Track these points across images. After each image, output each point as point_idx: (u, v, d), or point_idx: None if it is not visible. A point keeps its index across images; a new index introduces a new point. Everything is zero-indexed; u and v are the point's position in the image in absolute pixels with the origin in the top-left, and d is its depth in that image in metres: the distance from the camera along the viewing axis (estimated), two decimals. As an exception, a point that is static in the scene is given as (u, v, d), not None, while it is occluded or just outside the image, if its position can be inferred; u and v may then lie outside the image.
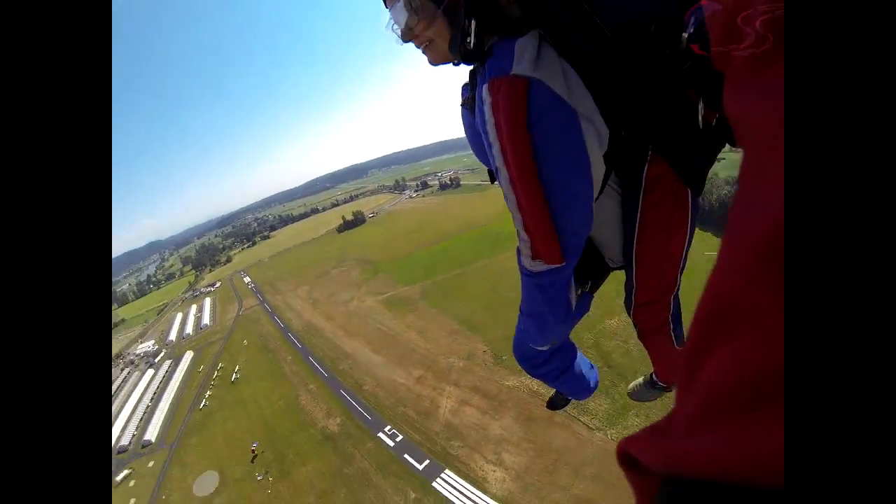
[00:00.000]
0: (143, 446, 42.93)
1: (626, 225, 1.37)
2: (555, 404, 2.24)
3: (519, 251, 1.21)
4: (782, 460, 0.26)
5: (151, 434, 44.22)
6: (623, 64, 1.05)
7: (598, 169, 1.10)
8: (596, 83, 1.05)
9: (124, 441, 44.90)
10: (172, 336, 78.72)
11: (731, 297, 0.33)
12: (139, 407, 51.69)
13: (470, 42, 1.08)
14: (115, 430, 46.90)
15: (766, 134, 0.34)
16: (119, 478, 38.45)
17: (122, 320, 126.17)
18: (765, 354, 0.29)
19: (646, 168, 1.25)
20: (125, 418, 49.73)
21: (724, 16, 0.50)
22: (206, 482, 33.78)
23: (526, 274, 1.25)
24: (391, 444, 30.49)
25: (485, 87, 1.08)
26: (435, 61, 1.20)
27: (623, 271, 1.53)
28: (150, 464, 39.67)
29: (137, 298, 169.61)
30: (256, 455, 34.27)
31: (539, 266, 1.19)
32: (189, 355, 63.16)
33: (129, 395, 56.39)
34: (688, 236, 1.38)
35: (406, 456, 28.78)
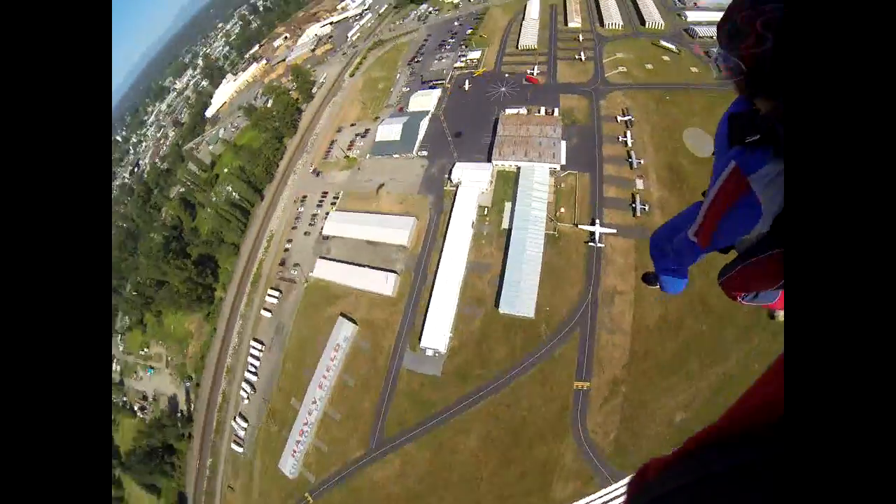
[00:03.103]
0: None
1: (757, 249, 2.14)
2: (648, 280, 3.82)
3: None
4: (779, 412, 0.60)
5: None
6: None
7: (753, 233, 2.10)
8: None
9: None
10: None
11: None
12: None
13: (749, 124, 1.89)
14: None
15: None
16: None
17: None
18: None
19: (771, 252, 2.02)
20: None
21: None
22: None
23: (685, 239, 2.56)
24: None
25: (733, 163, 1.98)
26: (736, 90, 2.02)
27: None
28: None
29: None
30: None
31: (693, 238, 2.46)
32: None
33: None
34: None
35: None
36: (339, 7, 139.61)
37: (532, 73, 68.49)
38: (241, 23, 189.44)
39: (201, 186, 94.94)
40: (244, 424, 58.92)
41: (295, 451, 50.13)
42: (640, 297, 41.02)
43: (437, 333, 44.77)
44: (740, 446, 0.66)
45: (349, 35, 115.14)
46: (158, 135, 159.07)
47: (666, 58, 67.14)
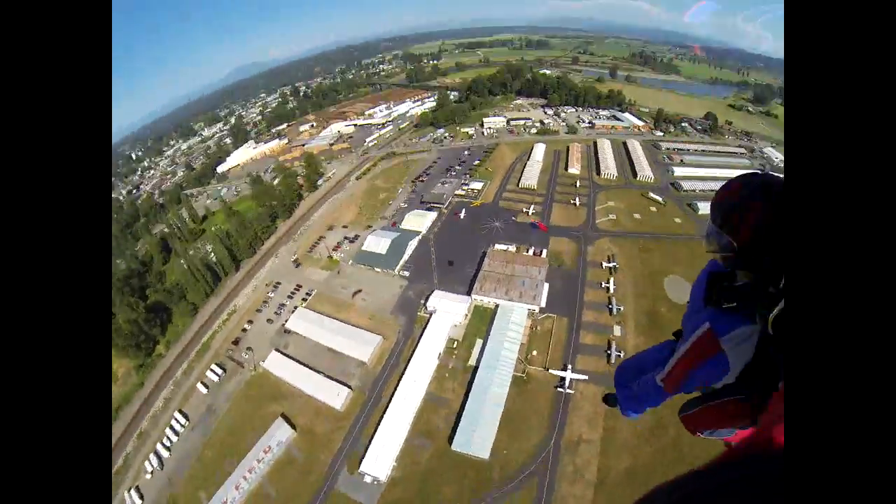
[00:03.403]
0: None
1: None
2: (608, 401, 3.71)
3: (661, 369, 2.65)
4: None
5: None
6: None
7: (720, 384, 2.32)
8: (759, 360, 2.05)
9: None
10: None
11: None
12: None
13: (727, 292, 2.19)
14: None
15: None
16: None
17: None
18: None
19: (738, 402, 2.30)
20: None
21: None
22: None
23: (652, 382, 2.77)
24: None
25: (707, 325, 2.21)
26: (721, 261, 2.32)
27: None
28: None
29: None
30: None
31: (659, 383, 2.67)
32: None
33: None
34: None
35: None
36: (367, 113, 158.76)
37: (528, 212, 75.13)
38: (280, 99, 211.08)
39: (185, 235, 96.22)
40: (138, 502, 51.95)
41: (183, 557, 43.11)
42: (607, 446, 40.38)
43: (381, 459, 42.70)
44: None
45: (367, 140, 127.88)
46: (169, 169, 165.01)
47: (653, 208, 76.28)
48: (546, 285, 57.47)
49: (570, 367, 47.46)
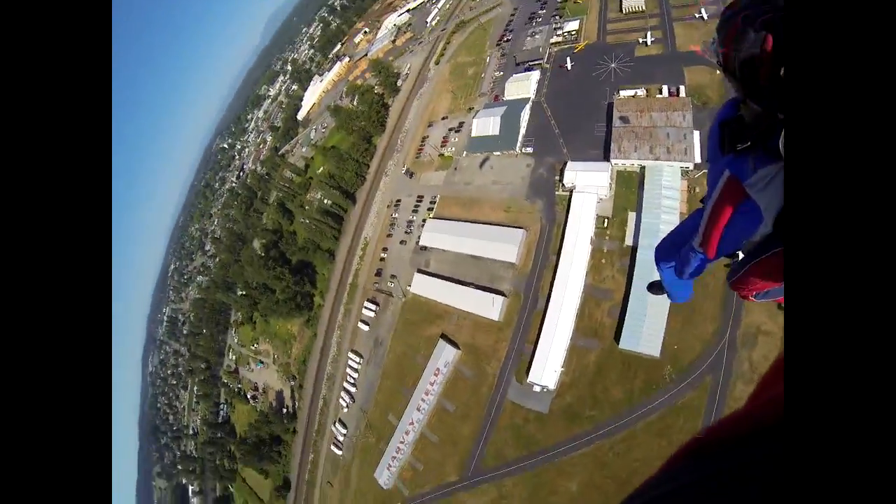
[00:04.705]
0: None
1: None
2: (653, 290, 3.90)
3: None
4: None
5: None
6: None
7: (756, 235, 2.10)
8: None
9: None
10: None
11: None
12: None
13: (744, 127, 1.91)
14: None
15: None
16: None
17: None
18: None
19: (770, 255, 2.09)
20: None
21: None
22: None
23: (691, 250, 2.68)
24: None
25: (728, 172, 2.03)
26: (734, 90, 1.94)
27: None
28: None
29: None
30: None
31: (698, 249, 2.50)
32: None
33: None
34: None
35: None
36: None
37: (646, 42, 55.60)
38: (321, 24, 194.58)
39: (296, 190, 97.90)
40: (343, 430, 61.22)
41: (390, 465, 51.01)
42: (791, 338, 32.15)
43: (547, 368, 40.55)
44: (749, 442, 0.66)
45: (428, 21, 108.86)
46: (258, 140, 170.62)
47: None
48: (696, 133, 42.66)
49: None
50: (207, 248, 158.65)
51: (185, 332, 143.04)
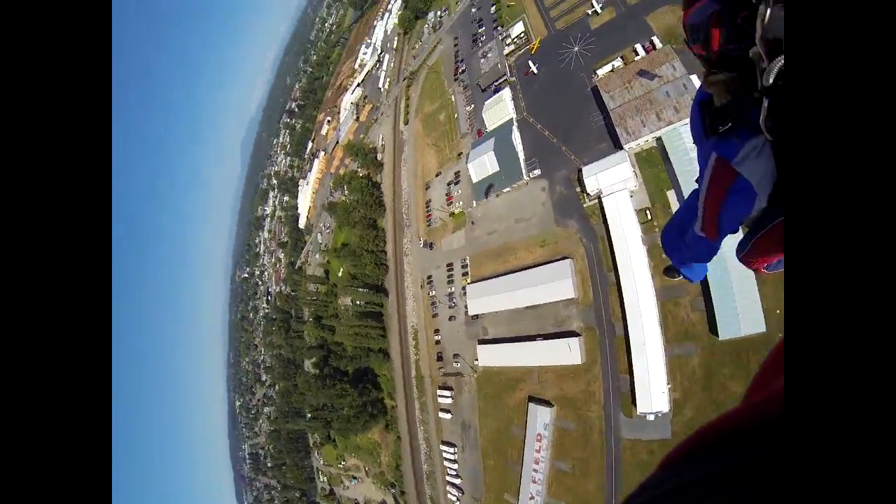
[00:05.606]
0: None
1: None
2: (668, 273, 3.69)
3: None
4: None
5: None
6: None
7: (755, 211, 2.01)
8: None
9: None
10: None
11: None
12: None
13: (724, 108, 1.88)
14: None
15: None
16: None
17: None
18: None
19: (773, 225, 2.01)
20: None
21: None
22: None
23: (694, 235, 2.53)
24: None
25: (715, 155, 2.01)
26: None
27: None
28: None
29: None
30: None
31: (700, 234, 2.42)
32: None
33: None
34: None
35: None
36: (356, 67, 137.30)
37: (596, 10, 50.80)
38: (287, 130, 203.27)
39: (324, 300, 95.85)
40: None
41: (529, 544, 45.64)
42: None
43: (654, 392, 36.95)
44: (748, 440, 0.63)
45: (380, 86, 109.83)
46: (272, 261, 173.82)
47: None
48: (694, 77, 38.55)
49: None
50: (264, 378, 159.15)
51: (269, 465, 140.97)
